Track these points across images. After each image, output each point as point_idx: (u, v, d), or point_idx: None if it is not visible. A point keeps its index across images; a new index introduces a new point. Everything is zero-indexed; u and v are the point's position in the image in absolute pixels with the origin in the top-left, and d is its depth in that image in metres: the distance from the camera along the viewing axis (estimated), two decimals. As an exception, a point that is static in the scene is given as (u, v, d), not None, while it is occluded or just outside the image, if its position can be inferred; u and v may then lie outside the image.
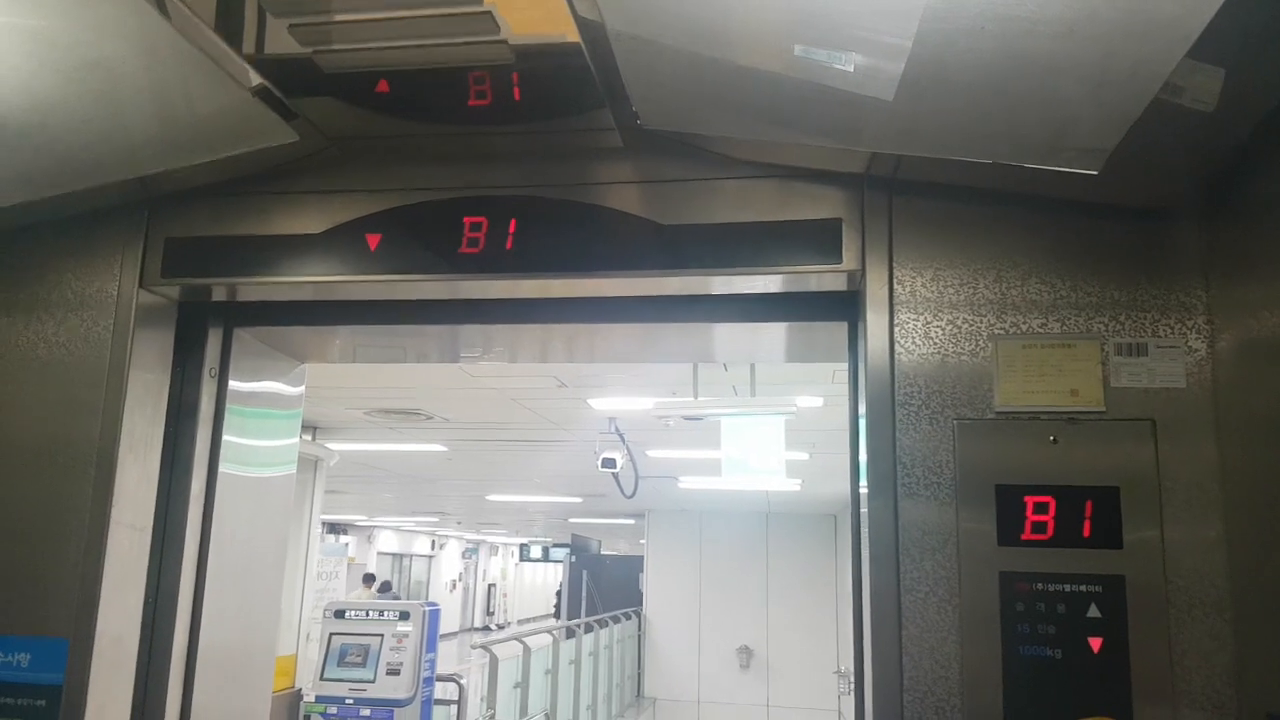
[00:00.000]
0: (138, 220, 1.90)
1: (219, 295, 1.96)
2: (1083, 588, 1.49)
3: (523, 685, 7.96)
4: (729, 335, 2.05)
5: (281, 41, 1.43)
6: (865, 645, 1.63)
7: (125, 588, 1.84)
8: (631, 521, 17.52)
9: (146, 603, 1.90)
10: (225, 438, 2.03)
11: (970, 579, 1.53)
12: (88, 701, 1.73)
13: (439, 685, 7.45)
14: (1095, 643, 1.47)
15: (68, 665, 1.74)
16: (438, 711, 7.30)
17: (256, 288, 1.89)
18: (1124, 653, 1.46)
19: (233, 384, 2.06)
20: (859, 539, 1.71)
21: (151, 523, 1.91)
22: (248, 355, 2.11)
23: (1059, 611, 1.49)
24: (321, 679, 7.02)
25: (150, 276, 1.89)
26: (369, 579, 15.91)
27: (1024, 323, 1.61)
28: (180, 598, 1.92)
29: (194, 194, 1.88)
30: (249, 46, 1.45)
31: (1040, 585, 1.51)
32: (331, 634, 7.22)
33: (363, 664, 7.08)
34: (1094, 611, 1.49)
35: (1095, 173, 1.46)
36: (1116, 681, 1.46)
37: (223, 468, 2.02)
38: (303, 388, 2.37)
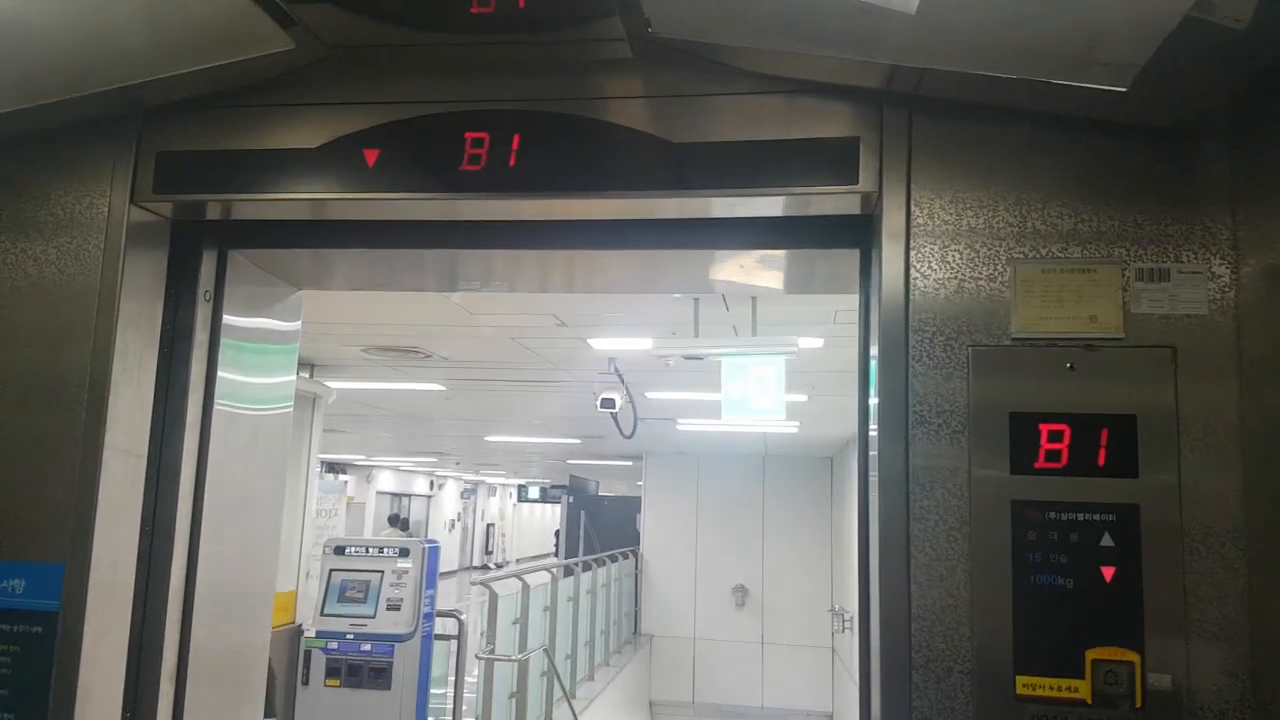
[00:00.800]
0: (128, 134, 1.83)
1: (213, 214, 1.90)
2: (1096, 516, 1.47)
3: (521, 621, 8.06)
4: (736, 262, 1.99)
5: (274, -58, 1.35)
6: (872, 575, 1.61)
7: (121, 514, 1.82)
8: (629, 463, 17.66)
9: (143, 531, 1.87)
10: (221, 374, 1.98)
11: (981, 507, 1.51)
12: (85, 629, 1.72)
13: (439, 621, 7.54)
14: (1108, 572, 1.46)
15: (64, 591, 1.72)
16: (438, 646, 7.40)
17: (251, 205, 1.83)
18: (1137, 582, 1.45)
19: (228, 317, 2.00)
20: (867, 468, 1.68)
21: (147, 449, 1.88)
22: (243, 281, 2.05)
23: (1071, 540, 1.47)
24: (322, 614, 7.08)
25: (142, 193, 1.82)
26: (394, 519, 16.11)
27: (1044, 247, 1.56)
28: (177, 527, 1.89)
29: (186, 106, 1.80)
30: (242, -54, 1.37)
31: (1053, 514, 1.48)
32: (331, 570, 7.27)
33: (363, 600, 7.13)
34: (1107, 540, 1.47)
35: (1124, 90, 1.40)
36: (1129, 611, 1.44)
37: (219, 404, 1.98)
38: (299, 322, 2.32)
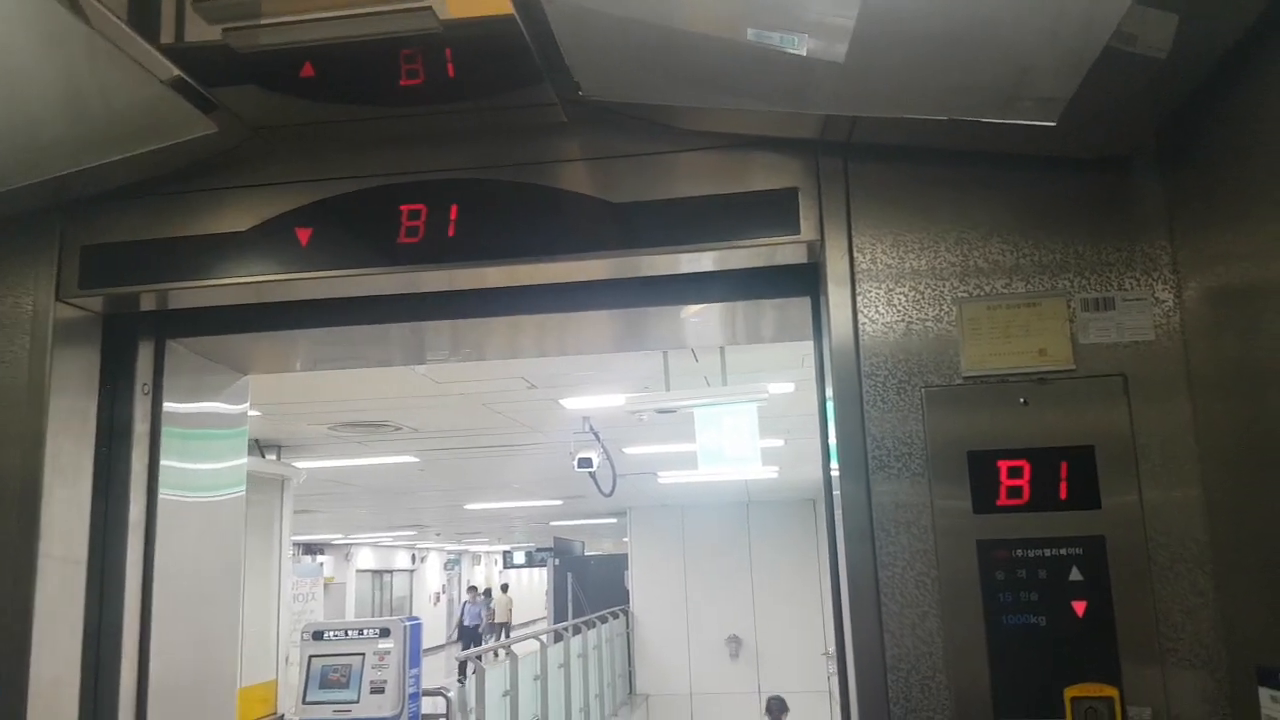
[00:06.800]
0: (50, 228, 1.79)
1: (147, 305, 1.85)
2: (1063, 551, 1.45)
3: (511, 693, 7.87)
4: (689, 316, 1.98)
5: (197, 29, 1.34)
6: (845, 626, 1.57)
7: (60, 626, 1.73)
8: (613, 520, 17.47)
9: (87, 641, 1.78)
10: (166, 462, 1.92)
11: (947, 550, 1.48)
12: None
13: (426, 700, 7.34)
14: (1079, 606, 1.43)
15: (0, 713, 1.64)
16: (426, 726, 7.20)
17: (184, 293, 1.79)
18: (1109, 614, 1.42)
19: (169, 404, 1.95)
20: (833, 518, 1.66)
21: (86, 555, 1.80)
22: (184, 370, 2.00)
23: (1040, 577, 1.45)
24: (304, 703, 6.88)
25: (67, 288, 1.77)
26: (505, 588, 15.87)
27: (988, 284, 1.56)
28: (125, 633, 1.81)
29: (110, 197, 1.77)
30: (165, 35, 1.36)
31: (1019, 551, 1.46)
32: (311, 656, 7.06)
33: (345, 684, 6.94)
34: (1076, 575, 1.44)
35: (1053, 124, 1.41)
36: (1104, 644, 1.42)
37: (164, 493, 1.91)
38: (246, 404, 2.27)
